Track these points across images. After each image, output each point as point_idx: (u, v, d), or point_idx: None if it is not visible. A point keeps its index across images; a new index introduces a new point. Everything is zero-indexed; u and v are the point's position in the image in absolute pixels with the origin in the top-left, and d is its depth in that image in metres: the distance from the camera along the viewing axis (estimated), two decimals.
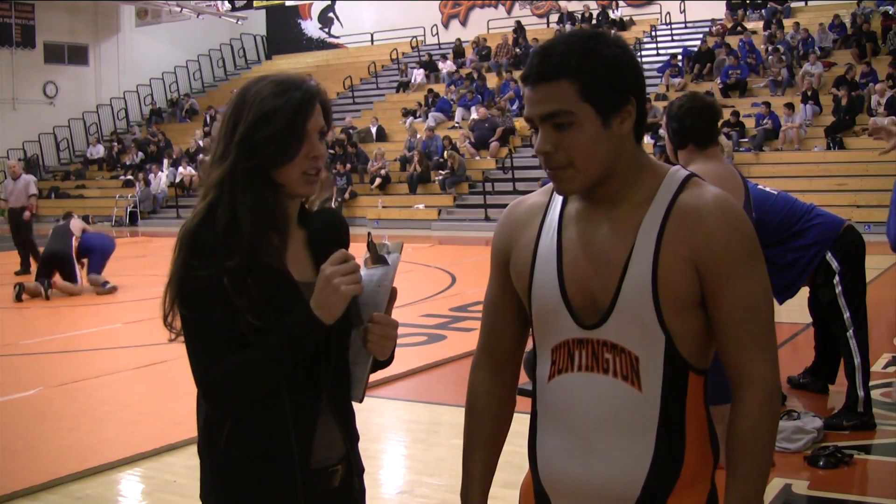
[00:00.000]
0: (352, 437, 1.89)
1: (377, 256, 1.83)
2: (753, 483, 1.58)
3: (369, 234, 1.85)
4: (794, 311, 6.11)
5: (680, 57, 22.48)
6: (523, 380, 2.11)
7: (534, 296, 1.68)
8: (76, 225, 10.92)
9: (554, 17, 27.77)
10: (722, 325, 1.59)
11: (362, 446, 1.95)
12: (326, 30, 33.63)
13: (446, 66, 26.01)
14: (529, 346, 2.29)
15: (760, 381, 1.58)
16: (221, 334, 1.71)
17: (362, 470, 1.93)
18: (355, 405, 1.89)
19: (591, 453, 1.63)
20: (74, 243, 10.72)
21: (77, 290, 10.72)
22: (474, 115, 22.16)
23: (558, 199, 1.70)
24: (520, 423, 1.85)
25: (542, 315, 1.68)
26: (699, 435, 1.63)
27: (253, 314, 1.70)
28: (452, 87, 24.57)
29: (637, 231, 1.59)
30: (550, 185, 1.68)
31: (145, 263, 11.50)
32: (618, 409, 1.60)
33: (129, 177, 25.20)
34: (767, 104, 18.91)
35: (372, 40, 31.33)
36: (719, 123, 3.80)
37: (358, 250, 1.66)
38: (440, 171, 20.61)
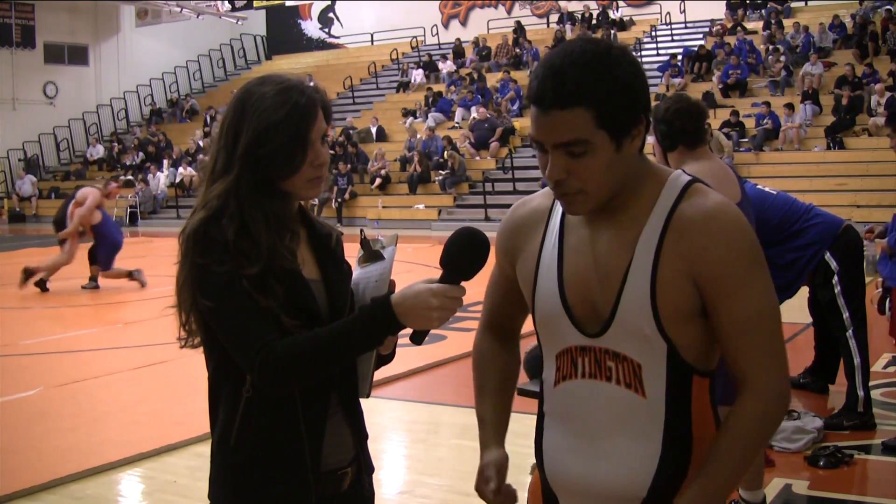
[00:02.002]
0: (362, 436, 1.90)
1: (371, 253, 1.85)
2: (721, 486, 1.56)
3: (362, 230, 1.86)
4: (794, 311, 6.09)
5: (680, 57, 22.47)
6: (523, 379, 2.11)
7: (537, 303, 1.69)
8: (85, 192, 10.66)
9: (554, 17, 27.76)
10: (724, 335, 1.58)
11: None
12: (326, 30, 33.61)
13: (446, 67, 26.00)
14: (531, 345, 2.29)
15: (763, 388, 1.57)
16: (265, 314, 1.67)
17: (372, 469, 1.93)
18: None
19: (597, 454, 1.63)
20: (80, 212, 10.37)
21: (61, 261, 10.60)
22: (474, 115, 22.14)
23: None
24: (520, 424, 1.86)
25: (545, 322, 1.69)
26: (705, 434, 1.62)
27: (282, 311, 1.68)
28: (452, 88, 24.56)
29: (636, 242, 1.58)
30: None
31: (146, 264, 11.46)
32: (623, 414, 1.61)
33: (129, 177, 25.21)
34: (767, 104, 18.89)
35: (372, 40, 31.31)
36: (707, 122, 3.75)
37: (352, 250, 1.66)
38: (440, 172, 20.60)
